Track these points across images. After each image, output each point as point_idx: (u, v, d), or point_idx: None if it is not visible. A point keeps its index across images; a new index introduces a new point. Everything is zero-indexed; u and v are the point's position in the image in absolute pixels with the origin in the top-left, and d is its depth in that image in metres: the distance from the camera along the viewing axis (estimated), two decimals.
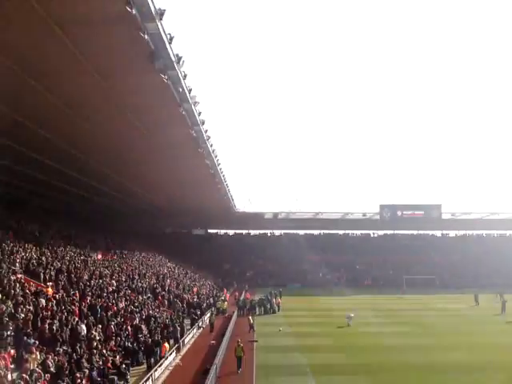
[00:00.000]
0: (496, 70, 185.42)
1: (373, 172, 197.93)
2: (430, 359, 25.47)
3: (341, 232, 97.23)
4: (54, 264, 31.14)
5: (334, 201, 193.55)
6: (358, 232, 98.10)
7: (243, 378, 21.72)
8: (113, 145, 35.13)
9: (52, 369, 17.00)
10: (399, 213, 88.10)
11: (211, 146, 39.36)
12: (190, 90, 27.23)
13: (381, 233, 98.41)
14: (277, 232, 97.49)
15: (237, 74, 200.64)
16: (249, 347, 28.53)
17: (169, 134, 33.61)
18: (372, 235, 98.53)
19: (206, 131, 35.42)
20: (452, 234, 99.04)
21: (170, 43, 21.15)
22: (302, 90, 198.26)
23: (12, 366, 16.14)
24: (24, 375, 15.16)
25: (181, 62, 23.36)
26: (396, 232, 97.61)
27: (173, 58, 22.41)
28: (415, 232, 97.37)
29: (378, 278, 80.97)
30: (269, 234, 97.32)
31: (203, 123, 33.31)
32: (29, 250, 31.35)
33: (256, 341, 30.69)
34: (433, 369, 23.48)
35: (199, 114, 31.21)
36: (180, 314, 36.26)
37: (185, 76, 25.05)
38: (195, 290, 51.77)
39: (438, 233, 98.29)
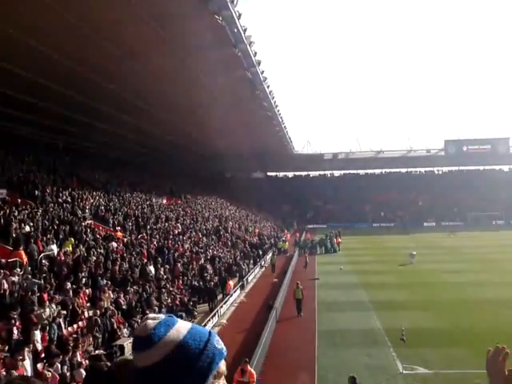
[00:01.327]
0: None
1: (437, 106, 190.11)
2: (494, 295, 25.05)
3: (403, 170, 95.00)
4: (122, 210, 32.51)
5: (396, 139, 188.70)
6: (422, 169, 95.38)
7: (305, 313, 22.32)
8: (173, 91, 35.34)
9: (124, 306, 18.16)
10: (465, 148, 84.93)
11: (268, 87, 38.84)
12: (244, 30, 26.70)
13: (446, 169, 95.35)
14: (336, 173, 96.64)
15: (294, 11, 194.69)
16: (310, 284, 29.22)
17: (226, 77, 33.41)
18: (436, 172, 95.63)
19: (263, 72, 34.91)
20: None
21: None
22: (359, 27, 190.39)
23: (88, 304, 17.36)
24: (98, 312, 16.30)
25: (235, 1, 22.86)
26: (461, 168, 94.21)
27: None
28: (481, 167, 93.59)
29: (442, 216, 79.14)
30: (328, 175, 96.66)
31: (259, 64, 32.78)
32: (97, 197, 32.75)
33: (318, 278, 31.27)
34: (496, 304, 23.15)
35: (255, 54, 30.68)
36: (243, 254, 37.32)
37: (239, 16, 24.49)
38: (256, 231, 52.81)
39: (506, 167, 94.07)
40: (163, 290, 21.76)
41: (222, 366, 1.41)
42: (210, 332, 1.44)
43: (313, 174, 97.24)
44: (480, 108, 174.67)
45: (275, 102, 44.59)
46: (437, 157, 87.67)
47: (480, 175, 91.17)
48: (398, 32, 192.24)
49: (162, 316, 1.44)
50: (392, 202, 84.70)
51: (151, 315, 1.46)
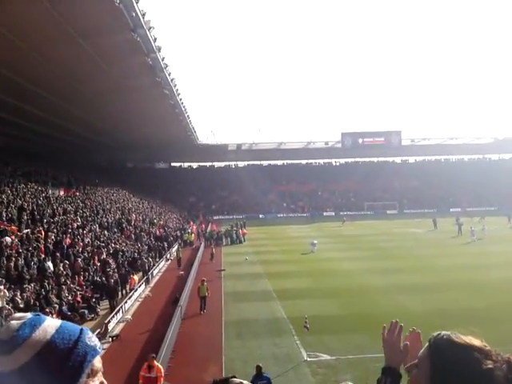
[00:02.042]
0: None
1: (334, 100, 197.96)
2: (391, 281, 26.67)
3: (304, 162, 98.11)
4: (16, 202, 30.55)
5: (297, 131, 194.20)
6: (321, 161, 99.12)
7: (212, 305, 22.38)
8: (69, 76, 33.62)
9: (21, 305, 17.14)
10: (360, 140, 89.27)
11: (169, 74, 38.20)
12: (143, 15, 26.07)
13: (343, 161, 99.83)
14: (240, 164, 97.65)
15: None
16: (217, 276, 29.39)
17: (125, 63, 32.44)
18: (334, 164, 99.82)
19: (163, 59, 34.26)
20: (412, 160, 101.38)
21: None
22: (262, 16, 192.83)
23: None
24: None
25: None
26: (357, 159, 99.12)
27: None
28: (376, 159, 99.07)
29: (340, 206, 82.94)
30: (233, 166, 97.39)
31: (159, 50, 32.14)
32: None
33: (224, 269, 31.47)
34: (393, 290, 24.65)
35: (155, 39, 30.05)
36: (147, 247, 36.62)
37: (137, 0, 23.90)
38: (161, 223, 52.07)
39: (398, 159, 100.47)
40: (63, 287, 20.80)
41: (97, 363, 1.36)
42: (81, 329, 1.39)
43: (217, 164, 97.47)
44: (375, 102, 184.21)
45: (177, 90, 44.02)
46: (334, 149, 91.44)
47: (375, 166, 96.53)
48: (291, 18, 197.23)
49: (28, 315, 1.36)
50: (293, 192, 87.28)
51: (17, 315, 1.37)
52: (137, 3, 24.05)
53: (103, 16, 24.26)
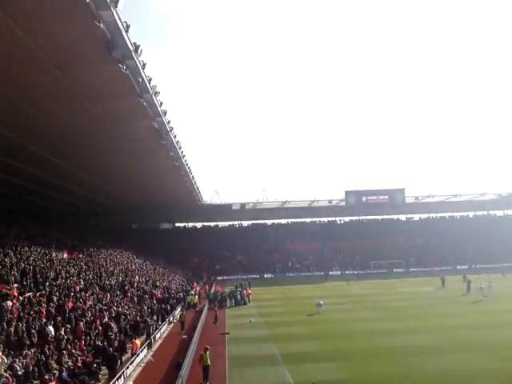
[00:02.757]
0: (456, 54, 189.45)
1: (338, 158, 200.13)
2: (401, 342, 25.89)
3: (308, 220, 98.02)
4: (19, 265, 30.33)
5: (301, 189, 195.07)
6: (325, 219, 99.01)
7: (216, 370, 21.63)
8: (74, 140, 34.26)
9: (20, 372, 16.62)
10: (364, 198, 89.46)
11: (175, 137, 38.86)
12: (149, 80, 26.76)
13: (347, 219, 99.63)
14: (245, 223, 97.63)
15: (197, 63, 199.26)
16: (220, 339, 28.65)
17: (131, 127, 33.09)
18: (339, 222, 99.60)
19: (169, 122, 34.95)
20: (416, 217, 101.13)
21: (126, 31, 20.68)
22: (264, 78, 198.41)
23: None
24: None
25: (139, 51, 22.90)
26: (362, 218, 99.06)
27: (130, 47, 21.95)
28: (380, 217, 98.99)
29: (346, 265, 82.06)
30: (237, 225, 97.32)
31: (165, 114, 32.84)
32: None
33: (227, 333, 30.69)
34: (405, 351, 23.89)
35: (161, 104, 30.74)
36: (150, 310, 35.90)
37: (144, 65, 24.57)
38: (164, 284, 51.37)
39: (403, 217, 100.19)
40: (64, 352, 20.21)
41: None
42: None
43: (221, 224, 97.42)
44: (378, 160, 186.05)
45: (182, 151, 44.65)
46: (338, 207, 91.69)
47: (379, 224, 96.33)
48: (296, 92, 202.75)
49: None
50: (298, 251, 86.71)
51: None
52: (143, 69, 24.74)
53: (110, 81, 24.93)
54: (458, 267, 74.51)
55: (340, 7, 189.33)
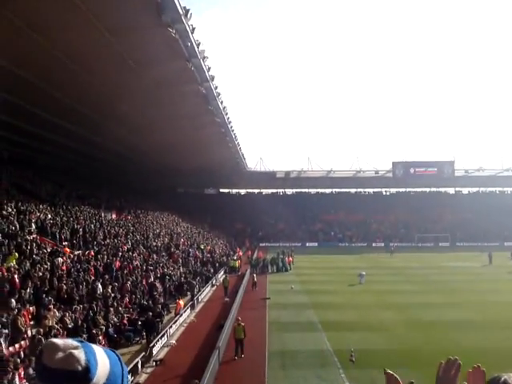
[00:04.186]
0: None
1: (385, 129, 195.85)
2: (441, 317, 25.61)
3: (353, 190, 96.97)
4: (69, 224, 31.50)
5: (346, 159, 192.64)
6: (371, 190, 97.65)
7: (255, 334, 22.08)
8: (123, 103, 34.78)
9: (69, 325, 17.46)
10: (412, 170, 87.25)
11: (221, 103, 38.81)
12: (198, 45, 26.69)
13: (393, 191, 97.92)
14: (288, 191, 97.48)
15: (247, 29, 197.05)
16: (262, 304, 29.12)
17: (179, 91, 33.22)
18: (384, 193, 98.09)
19: (216, 88, 34.89)
20: (465, 191, 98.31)
21: None
22: (314, 48, 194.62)
23: (32, 323, 16.60)
24: (42, 331, 15.60)
25: (189, 15, 22.81)
26: (408, 189, 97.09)
27: (180, 11, 21.90)
28: (428, 189, 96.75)
29: (390, 237, 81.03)
30: (281, 193, 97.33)
31: (213, 79, 32.76)
32: (43, 211, 31.65)
33: (268, 298, 31.16)
34: (443, 326, 23.68)
35: (208, 69, 30.65)
36: (194, 272, 36.78)
37: (193, 30, 24.48)
38: (208, 248, 52.35)
39: (451, 190, 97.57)
40: (111, 309, 21.09)
41: None
42: (117, 355, 1.51)
43: (265, 191, 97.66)
44: (427, 131, 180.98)
45: (228, 118, 44.66)
46: (385, 178, 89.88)
47: (427, 197, 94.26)
48: (348, 57, 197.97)
49: (70, 342, 1.40)
50: (342, 221, 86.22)
51: (59, 342, 1.39)
52: (192, 33, 24.67)
53: (159, 45, 25.04)
54: (506, 244, 72.33)
55: None
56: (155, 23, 21.94)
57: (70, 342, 1.40)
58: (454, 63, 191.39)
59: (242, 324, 19.71)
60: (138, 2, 20.15)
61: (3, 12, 18.66)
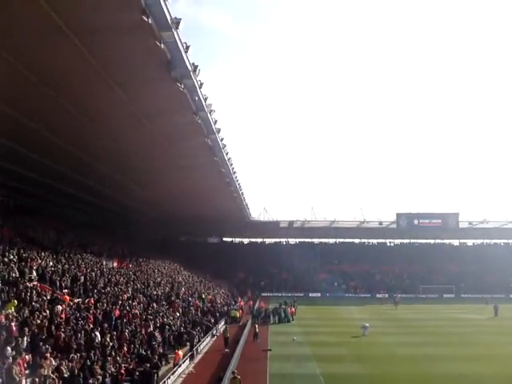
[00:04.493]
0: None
1: (389, 179, 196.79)
2: (447, 370, 24.94)
3: (357, 241, 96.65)
4: (70, 271, 31.38)
5: (350, 209, 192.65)
6: (375, 241, 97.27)
7: None
8: (130, 154, 35.42)
9: (65, 375, 17.11)
10: (416, 221, 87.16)
11: (227, 154, 39.45)
12: (205, 99, 27.43)
13: (397, 242, 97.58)
14: (292, 241, 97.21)
15: (251, 82, 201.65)
16: (263, 356, 28.52)
17: (185, 143, 33.86)
18: (389, 244, 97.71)
19: (222, 139, 35.56)
20: (469, 242, 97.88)
21: (186, 52, 21.35)
22: (318, 99, 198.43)
23: (27, 372, 16.29)
24: (37, 380, 15.29)
25: (197, 71, 23.55)
26: (413, 241, 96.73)
27: (189, 67, 22.62)
28: (432, 241, 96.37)
29: (394, 288, 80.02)
30: (284, 243, 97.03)
31: (219, 131, 33.46)
32: (45, 258, 31.59)
33: (270, 349, 30.55)
34: (450, 380, 23.11)
35: (215, 122, 31.34)
36: (194, 321, 36.21)
37: (201, 85, 25.23)
38: (210, 298, 51.73)
39: (456, 242, 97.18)
40: (108, 359, 20.68)
41: None
42: None
43: (268, 241, 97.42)
44: (431, 182, 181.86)
45: (233, 168, 45.20)
46: (389, 229, 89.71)
47: (431, 248, 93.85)
48: (352, 108, 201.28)
49: None
50: (345, 272, 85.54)
51: None
52: (200, 88, 25.37)
53: (168, 99, 25.75)
54: None
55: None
56: (165, 78, 22.59)
57: None
58: (458, 111, 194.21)
59: (238, 377, 19.01)
60: (149, 58, 20.82)
61: (18, 67, 19.36)
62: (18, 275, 24.44)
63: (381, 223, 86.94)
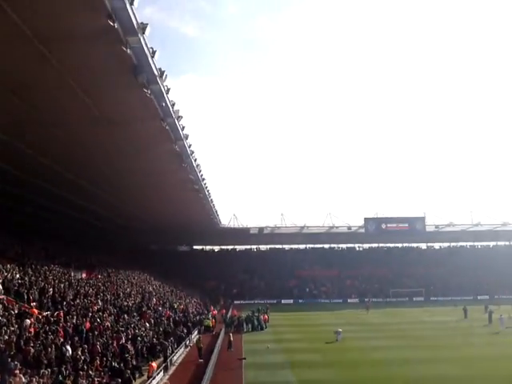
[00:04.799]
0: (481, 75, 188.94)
1: (357, 184, 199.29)
2: (419, 372, 25.28)
3: (326, 246, 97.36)
4: (38, 284, 30.52)
5: (319, 215, 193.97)
6: (344, 246, 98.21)
7: None
8: (96, 161, 34.74)
9: None
10: (384, 226, 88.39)
11: (195, 160, 39.09)
12: (173, 105, 27.10)
13: (366, 246, 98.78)
14: (262, 247, 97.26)
15: (220, 88, 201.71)
16: (238, 364, 28.29)
17: (153, 149, 33.38)
18: (357, 248, 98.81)
19: (190, 146, 35.22)
20: (437, 246, 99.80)
21: (152, 57, 21.03)
22: (284, 102, 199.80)
23: None
24: None
25: (164, 76, 23.25)
26: (381, 245, 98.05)
27: (155, 72, 22.31)
28: (400, 245, 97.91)
29: (364, 292, 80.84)
30: (255, 250, 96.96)
31: (187, 138, 33.11)
32: (11, 270, 30.65)
33: (244, 358, 30.30)
34: (421, 382, 23.32)
35: (183, 128, 31.00)
36: (166, 332, 35.65)
37: (168, 90, 24.91)
38: (181, 307, 51.09)
39: (423, 245, 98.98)
40: (80, 373, 20.10)
41: None
42: None
43: (239, 248, 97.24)
44: (398, 187, 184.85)
45: (202, 175, 44.81)
46: (357, 234, 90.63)
47: (399, 252, 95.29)
48: (317, 113, 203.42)
49: None
50: (316, 277, 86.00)
51: None
52: (167, 94, 25.08)
53: (134, 105, 25.33)
54: (479, 297, 72.99)
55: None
56: (131, 84, 22.22)
57: None
58: (424, 116, 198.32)
59: None
60: (114, 63, 20.44)
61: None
62: None
63: (349, 228, 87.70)
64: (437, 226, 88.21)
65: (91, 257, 56.30)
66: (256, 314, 48.97)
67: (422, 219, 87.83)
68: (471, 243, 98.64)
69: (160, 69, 22.68)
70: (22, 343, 19.59)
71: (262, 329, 45.86)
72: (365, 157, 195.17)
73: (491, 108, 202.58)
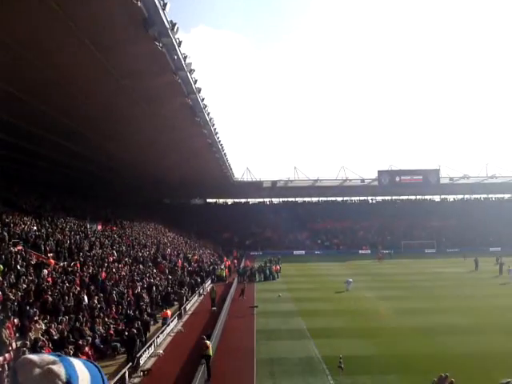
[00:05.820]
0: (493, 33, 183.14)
1: (371, 138, 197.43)
2: (428, 322, 25.74)
3: (339, 199, 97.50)
4: (55, 236, 31.27)
5: (333, 168, 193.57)
6: (357, 198, 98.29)
7: (244, 343, 22.06)
8: (109, 115, 34.69)
9: (55, 337, 17.28)
10: (397, 178, 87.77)
11: (208, 114, 38.86)
12: (185, 58, 26.78)
13: (379, 199, 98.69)
14: (275, 200, 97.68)
15: (233, 39, 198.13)
16: (249, 312, 29.09)
17: (165, 104, 33.25)
18: (370, 201, 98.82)
19: (203, 99, 34.98)
20: (450, 198, 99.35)
21: (163, 9, 20.73)
22: (299, 56, 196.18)
23: (17, 335, 16.40)
24: (28, 343, 15.43)
25: (175, 29, 22.92)
26: (394, 198, 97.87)
27: (167, 25, 21.99)
28: (413, 197, 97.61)
29: (376, 244, 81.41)
30: (267, 203, 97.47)
31: (199, 91, 32.85)
32: (28, 223, 31.39)
33: (256, 306, 31.09)
34: (431, 331, 23.81)
35: (195, 81, 30.74)
36: (181, 281, 36.59)
37: (179, 43, 24.59)
38: (195, 258, 52.14)
39: (437, 197, 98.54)
40: (97, 320, 20.93)
41: None
42: (97, 367, 1.52)
43: (252, 201, 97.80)
44: (412, 139, 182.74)
45: (215, 129, 44.65)
46: (371, 187, 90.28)
47: (412, 205, 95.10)
48: (329, 63, 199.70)
49: (47, 357, 1.37)
50: (329, 229, 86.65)
51: (35, 358, 1.36)
52: (179, 47, 24.77)
53: (146, 59, 25.09)
54: (492, 249, 73.18)
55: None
56: (142, 37, 21.97)
57: (47, 357, 1.36)
58: (438, 72, 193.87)
59: (208, 342, 18.38)
60: (125, 16, 20.17)
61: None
62: (2, 241, 24.29)
63: (363, 181, 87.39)
64: (451, 179, 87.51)
65: (106, 210, 57.18)
66: (268, 265, 49.86)
67: (437, 171, 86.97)
68: (485, 195, 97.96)
69: (171, 21, 22.33)
70: (41, 292, 20.33)
71: (273, 279, 46.81)
72: (379, 110, 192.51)
73: (508, 60, 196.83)
